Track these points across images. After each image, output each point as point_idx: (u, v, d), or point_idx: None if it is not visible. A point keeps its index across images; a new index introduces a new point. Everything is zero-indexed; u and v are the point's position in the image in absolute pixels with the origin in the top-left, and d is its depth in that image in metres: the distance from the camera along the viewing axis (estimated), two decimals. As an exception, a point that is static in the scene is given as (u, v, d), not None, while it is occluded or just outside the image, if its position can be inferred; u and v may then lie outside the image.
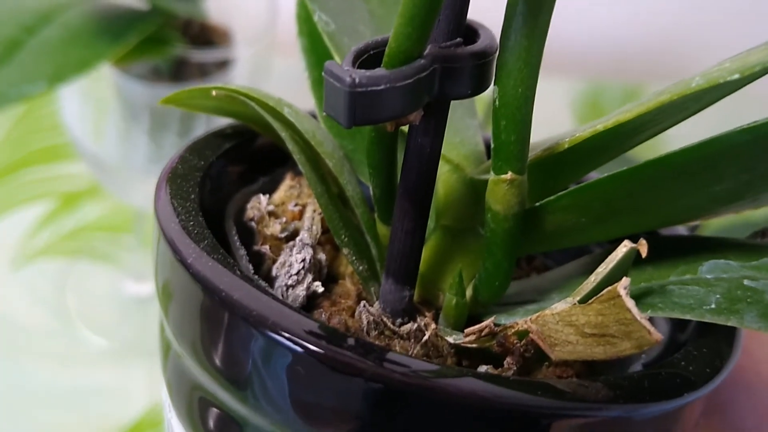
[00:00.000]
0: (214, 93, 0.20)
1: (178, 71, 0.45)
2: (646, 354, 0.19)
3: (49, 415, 0.36)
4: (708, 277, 0.18)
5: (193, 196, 0.19)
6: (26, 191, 0.50)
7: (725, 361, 0.17)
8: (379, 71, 0.15)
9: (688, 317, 0.17)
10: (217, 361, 0.17)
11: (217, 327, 0.16)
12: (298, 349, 0.15)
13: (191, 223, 0.18)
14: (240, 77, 0.46)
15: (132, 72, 0.44)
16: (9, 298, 0.42)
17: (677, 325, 0.20)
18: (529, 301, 0.20)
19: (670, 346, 0.20)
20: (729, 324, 0.16)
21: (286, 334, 0.15)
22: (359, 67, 0.16)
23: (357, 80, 0.15)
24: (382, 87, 0.15)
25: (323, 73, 0.15)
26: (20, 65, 0.33)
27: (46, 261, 0.45)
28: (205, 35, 0.48)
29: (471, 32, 0.17)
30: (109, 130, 0.44)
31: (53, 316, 0.41)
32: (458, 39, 0.17)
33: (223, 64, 0.46)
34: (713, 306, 0.17)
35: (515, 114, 0.16)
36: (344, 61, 0.16)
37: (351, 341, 0.15)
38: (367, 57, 0.16)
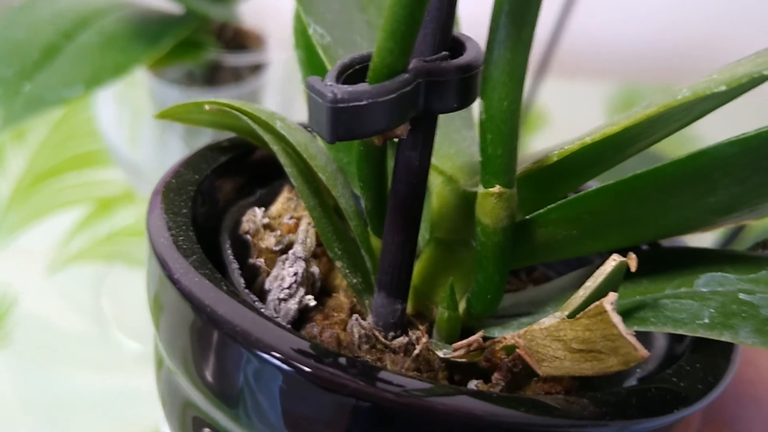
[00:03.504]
0: (207, 108, 0.20)
1: (212, 76, 0.46)
2: (642, 368, 0.19)
3: (83, 420, 0.36)
4: (703, 290, 0.18)
5: (185, 210, 0.19)
6: (62, 197, 0.51)
7: (720, 377, 0.17)
8: (361, 86, 0.15)
9: (680, 332, 0.17)
10: (208, 378, 0.17)
11: (204, 343, 0.16)
12: (285, 367, 0.15)
13: (181, 238, 0.18)
14: (273, 81, 0.46)
15: (166, 77, 0.44)
16: (45, 302, 0.42)
17: (675, 337, 0.20)
18: (524, 313, 0.20)
19: (668, 359, 0.20)
20: (722, 339, 0.16)
21: (272, 352, 0.15)
22: (344, 82, 0.16)
23: (339, 96, 0.15)
24: (364, 102, 0.15)
25: (305, 88, 0.15)
26: (58, 69, 0.34)
27: (82, 266, 0.45)
28: (239, 39, 0.48)
29: (458, 45, 0.17)
30: (144, 136, 0.45)
31: (88, 320, 0.41)
32: (444, 52, 0.16)
33: (257, 68, 0.47)
34: (707, 320, 0.17)
35: (501, 127, 0.16)
36: (327, 76, 0.16)
37: (338, 359, 0.15)
38: (353, 72, 0.16)
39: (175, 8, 0.41)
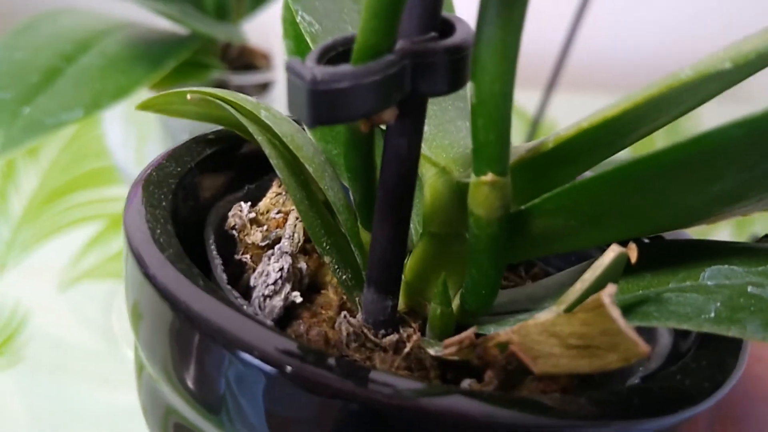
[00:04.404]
0: (189, 97, 0.19)
1: None
2: (645, 366, 0.18)
3: None
4: (709, 283, 0.17)
5: (164, 203, 0.18)
6: (74, 214, 0.51)
7: (728, 374, 0.16)
8: (343, 67, 0.14)
9: (685, 327, 0.16)
10: (187, 380, 0.16)
11: (181, 342, 0.15)
12: (265, 367, 0.14)
13: (158, 231, 0.17)
14: (280, 100, 0.46)
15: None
16: (56, 318, 0.42)
17: (680, 334, 0.19)
18: (522, 310, 0.19)
19: (673, 356, 0.19)
20: (729, 334, 0.15)
21: (250, 350, 0.14)
22: (327, 64, 0.15)
23: (319, 77, 0.14)
24: (346, 84, 0.14)
25: (285, 70, 0.14)
26: (58, 93, 0.34)
27: (93, 283, 0.45)
28: (245, 58, 0.48)
29: (447, 26, 0.16)
30: (150, 155, 0.44)
31: (98, 337, 0.41)
32: (433, 33, 0.16)
33: (263, 87, 0.46)
34: (713, 315, 0.16)
35: (493, 111, 0.15)
36: (308, 57, 0.15)
37: (323, 358, 0.14)
38: (336, 54, 0.16)
39: (178, 28, 0.41)
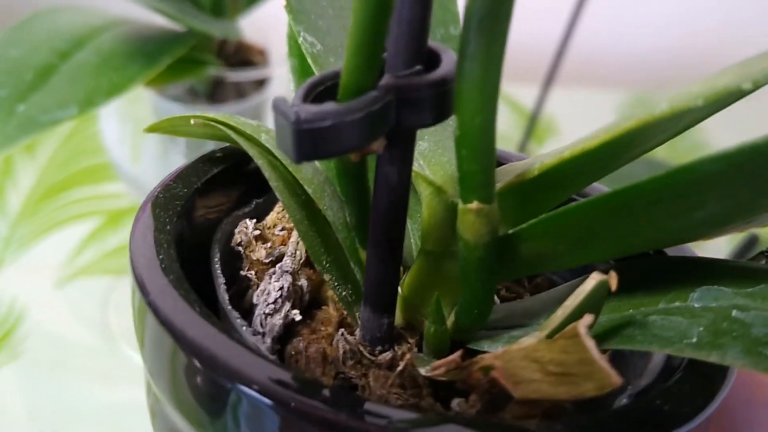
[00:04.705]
0: (192, 122, 0.20)
1: (215, 91, 0.45)
2: (633, 384, 0.19)
3: (89, 431, 0.36)
4: (696, 305, 0.17)
5: (168, 227, 0.19)
6: (71, 211, 0.51)
7: (709, 399, 0.16)
8: (327, 106, 0.15)
9: (667, 351, 0.16)
10: (186, 405, 0.16)
11: (180, 369, 0.16)
12: (260, 397, 0.15)
13: (161, 256, 0.18)
14: (277, 95, 0.46)
15: (169, 93, 0.44)
16: (53, 315, 0.43)
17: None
18: (517, 325, 0.20)
19: (665, 372, 0.19)
20: (710, 360, 0.15)
21: (243, 380, 0.15)
22: (315, 99, 0.16)
23: (302, 116, 0.14)
24: (329, 123, 0.15)
25: (272, 109, 0.15)
26: (53, 90, 0.34)
27: (90, 279, 0.46)
28: (242, 54, 0.48)
29: (434, 57, 0.16)
30: (146, 152, 0.45)
31: (96, 333, 0.42)
32: (418, 67, 0.16)
33: (260, 83, 0.46)
34: (694, 340, 0.16)
35: (475, 143, 0.16)
36: (296, 95, 0.15)
37: (316, 389, 0.15)
38: (324, 89, 0.16)
39: (174, 25, 0.41)
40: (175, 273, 0.17)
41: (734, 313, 0.16)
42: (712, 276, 0.18)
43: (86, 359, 0.40)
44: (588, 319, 0.15)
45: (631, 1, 0.74)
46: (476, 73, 0.15)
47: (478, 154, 0.16)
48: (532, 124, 0.50)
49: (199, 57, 0.42)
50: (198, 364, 0.15)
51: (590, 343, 0.14)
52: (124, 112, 0.43)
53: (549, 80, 0.48)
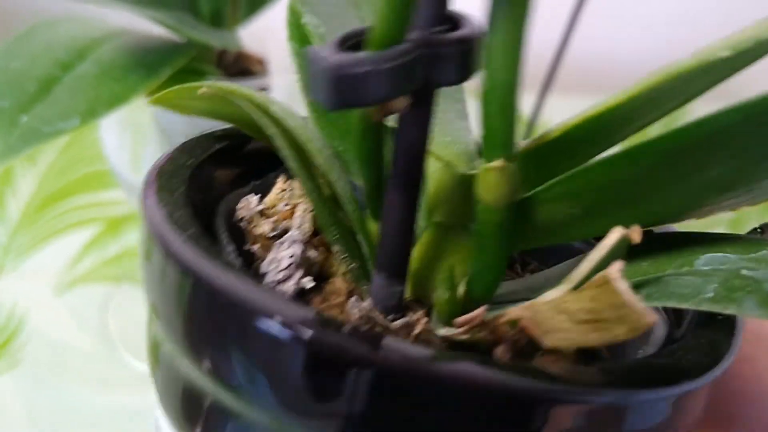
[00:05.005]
0: (200, 92, 0.20)
1: None
2: (644, 350, 0.19)
3: None
4: (705, 268, 0.18)
5: (181, 188, 0.18)
6: (71, 218, 0.51)
7: (724, 353, 0.17)
8: (363, 54, 0.15)
9: (684, 306, 0.16)
10: (207, 353, 0.16)
11: (204, 316, 0.16)
12: (287, 333, 0.15)
13: (177, 213, 0.17)
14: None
15: None
16: (53, 321, 0.42)
17: (674, 323, 0.20)
18: (523, 299, 0.20)
19: (668, 344, 0.19)
20: (727, 312, 0.16)
21: (273, 318, 0.15)
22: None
23: (340, 62, 0.15)
24: (365, 69, 0.15)
25: (308, 57, 0.15)
26: (55, 101, 0.34)
27: (90, 286, 0.46)
28: (240, 64, 0.48)
29: (455, 21, 0.17)
30: (146, 159, 0.44)
31: (95, 339, 0.42)
32: (443, 26, 0.16)
33: (260, 92, 0.46)
34: (711, 294, 0.16)
35: (502, 99, 0.16)
36: (328, 45, 0.16)
37: (341, 326, 0.15)
38: (352, 44, 0.16)
39: (174, 35, 0.41)
40: (195, 227, 0.17)
41: (744, 271, 0.17)
42: (713, 245, 0.19)
43: (86, 365, 0.40)
44: (619, 264, 0.15)
45: (629, 8, 0.77)
46: (506, 30, 0.16)
47: (504, 109, 0.16)
48: (530, 131, 0.51)
49: (198, 67, 0.42)
50: (228, 309, 0.15)
51: (623, 286, 0.15)
52: (125, 120, 0.43)
53: (546, 87, 0.49)
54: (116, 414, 0.37)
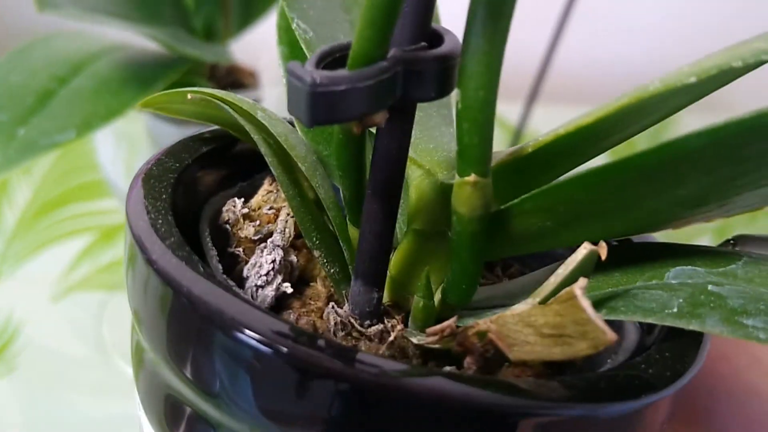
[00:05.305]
0: (189, 96, 0.20)
1: None
2: (612, 359, 0.19)
3: None
4: (673, 282, 0.18)
5: (164, 196, 0.19)
6: (65, 227, 0.52)
7: (688, 365, 0.17)
8: (341, 72, 0.15)
9: (649, 320, 0.17)
10: (186, 362, 0.17)
11: (182, 326, 0.16)
12: (262, 347, 0.15)
13: (159, 221, 0.18)
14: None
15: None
16: (48, 329, 0.43)
17: (646, 330, 0.20)
18: (499, 305, 0.20)
19: (639, 350, 0.20)
20: (690, 328, 0.16)
21: (248, 331, 0.15)
22: (323, 69, 0.17)
23: (318, 80, 0.15)
24: (342, 87, 0.15)
25: (286, 73, 0.16)
26: (52, 115, 0.35)
27: (84, 294, 0.46)
28: (233, 76, 0.49)
29: (436, 37, 0.17)
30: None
31: (90, 347, 0.42)
32: (423, 43, 0.17)
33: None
34: (675, 310, 0.17)
35: (477, 117, 0.16)
36: (308, 62, 0.16)
37: (315, 340, 0.15)
38: (332, 60, 0.17)
39: (168, 51, 0.42)
40: (175, 236, 0.17)
41: (710, 287, 0.18)
42: (684, 258, 0.19)
43: (81, 372, 0.40)
44: (583, 282, 0.15)
45: (615, 18, 0.77)
46: (482, 49, 0.16)
47: (479, 127, 0.17)
48: (517, 139, 0.51)
49: (191, 81, 0.43)
50: (206, 320, 0.15)
51: (586, 304, 0.15)
52: (119, 132, 0.44)
53: (532, 96, 0.49)
54: (110, 420, 0.37)
